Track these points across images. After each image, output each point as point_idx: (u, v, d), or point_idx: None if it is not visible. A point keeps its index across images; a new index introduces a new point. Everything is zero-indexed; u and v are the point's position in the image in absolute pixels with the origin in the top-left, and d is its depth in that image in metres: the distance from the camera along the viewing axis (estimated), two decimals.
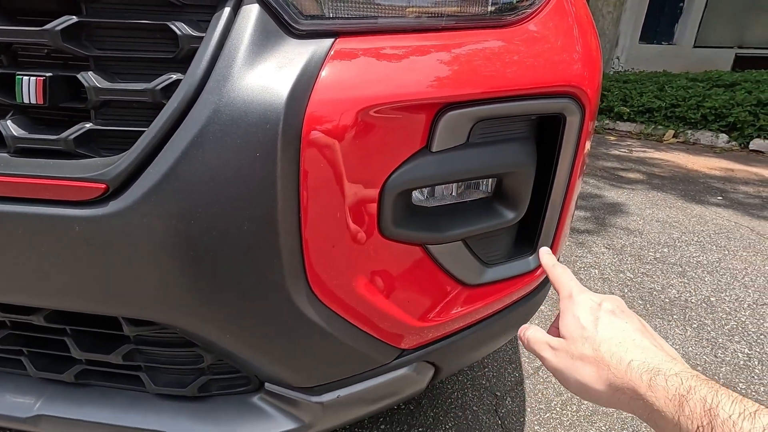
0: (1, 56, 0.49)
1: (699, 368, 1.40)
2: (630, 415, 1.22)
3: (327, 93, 0.47)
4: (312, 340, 0.58)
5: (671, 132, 4.80)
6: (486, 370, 1.37)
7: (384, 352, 0.65)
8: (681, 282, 1.93)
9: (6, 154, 0.49)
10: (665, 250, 2.24)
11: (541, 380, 1.34)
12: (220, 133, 0.44)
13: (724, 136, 4.54)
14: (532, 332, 0.50)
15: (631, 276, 1.97)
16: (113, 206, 0.46)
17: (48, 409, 0.65)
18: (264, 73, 0.46)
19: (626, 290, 1.85)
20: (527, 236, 0.75)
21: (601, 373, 0.39)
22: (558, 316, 0.49)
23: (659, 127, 4.94)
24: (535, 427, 1.18)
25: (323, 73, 0.47)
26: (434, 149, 0.56)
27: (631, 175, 3.50)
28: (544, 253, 0.56)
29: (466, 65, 0.55)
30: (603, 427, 1.18)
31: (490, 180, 0.66)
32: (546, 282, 0.87)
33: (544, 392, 1.30)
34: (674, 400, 0.34)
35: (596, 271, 2.00)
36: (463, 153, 0.59)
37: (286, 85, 0.45)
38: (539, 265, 0.76)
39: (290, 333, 0.56)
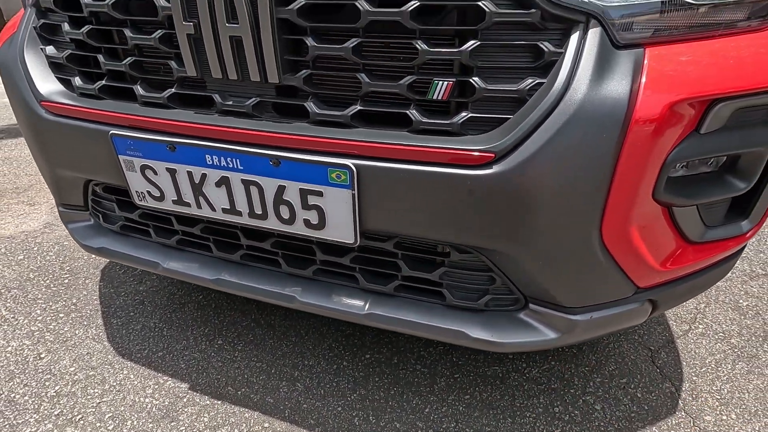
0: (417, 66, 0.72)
1: None
2: None
3: (647, 91, 0.66)
4: (591, 273, 0.79)
5: None
6: (636, 328, 1.53)
7: (629, 287, 0.85)
8: None
9: (405, 132, 0.74)
10: None
11: (692, 341, 1.47)
12: (581, 121, 0.65)
13: None
14: None
15: None
16: (496, 168, 0.69)
17: (376, 309, 0.93)
18: (607, 77, 0.65)
19: None
20: (743, 205, 0.90)
21: None
22: None
23: None
24: (694, 378, 1.33)
25: (643, 77, 0.66)
26: (702, 131, 0.73)
27: None
28: None
29: (737, 63, 0.71)
30: (761, 385, 1.30)
31: (731, 156, 0.82)
32: (743, 248, 1.01)
33: (696, 351, 1.43)
34: None
35: None
36: (721, 134, 0.75)
37: (625, 86, 0.65)
38: (750, 229, 0.91)
39: (579, 265, 0.78)
